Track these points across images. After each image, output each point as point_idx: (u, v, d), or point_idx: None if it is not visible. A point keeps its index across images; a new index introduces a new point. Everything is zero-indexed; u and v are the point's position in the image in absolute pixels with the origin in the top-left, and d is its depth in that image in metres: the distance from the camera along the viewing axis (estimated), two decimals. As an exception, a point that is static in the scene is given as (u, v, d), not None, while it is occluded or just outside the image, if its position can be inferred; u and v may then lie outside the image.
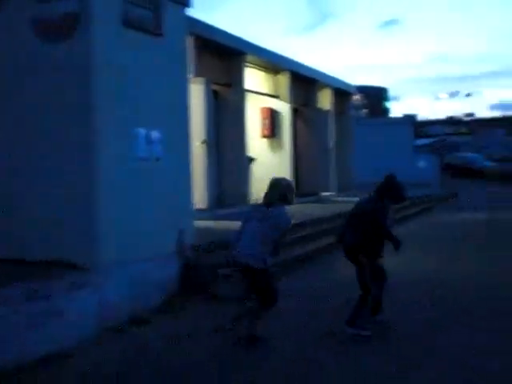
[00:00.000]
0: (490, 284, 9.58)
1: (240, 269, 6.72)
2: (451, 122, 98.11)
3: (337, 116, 23.23)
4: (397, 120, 40.37)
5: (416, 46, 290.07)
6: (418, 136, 57.24)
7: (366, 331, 6.80)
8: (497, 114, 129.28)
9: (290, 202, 6.71)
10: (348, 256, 7.13)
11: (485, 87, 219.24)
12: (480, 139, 65.56)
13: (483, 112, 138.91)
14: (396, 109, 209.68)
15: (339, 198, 20.54)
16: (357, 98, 54.35)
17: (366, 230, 6.89)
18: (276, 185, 6.72)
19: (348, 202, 18.76)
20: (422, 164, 33.71)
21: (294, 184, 6.73)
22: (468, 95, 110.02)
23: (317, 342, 6.77)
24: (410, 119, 39.82)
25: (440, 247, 13.62)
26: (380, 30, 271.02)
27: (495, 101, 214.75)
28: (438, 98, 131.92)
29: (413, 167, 32.47)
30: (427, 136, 66.73)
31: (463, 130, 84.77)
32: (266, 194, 6.67)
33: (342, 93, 24.00)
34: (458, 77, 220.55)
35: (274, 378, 5.78)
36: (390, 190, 7.11)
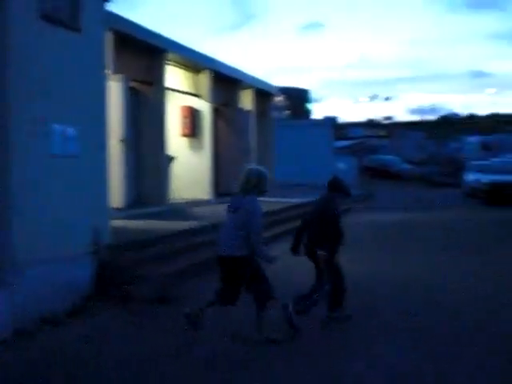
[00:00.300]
0: (391, 281, 9.80)
1: (220, 262, 6.76)
2: (371, 124, 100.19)
3: (258, 116, 23.32)
4: (318, 122, 40.78)
5: (337, 49, 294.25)
6: (339, 138, 58.17)
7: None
8: (415, 117, 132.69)
9: (262, 191, 6.80)
10: (308, 253, 7.50)
11: (404, 91, 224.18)
12: (398, 142, 67.15)
13: (402, 115, 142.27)
14: (318, 111, 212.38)
15: (260, 199, 20.59)
16: (279, 99, 54.76)
17: (325, 227, 7.34)
18: (248, 174, 6.80)
19: (269, 203, 18.96)
20: (341, 166, 34.23)
21: (267, 172, 6.93)
22: (387, 99, 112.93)
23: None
24: (330, 121, 40.31)
25: (352, 247, 13.85)
26: (302, 32, 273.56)
27: (414, 105, 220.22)
28: (358, 101, 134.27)
29: (333, 169, 32.95)
30: (347, 138, 67.89)
31: (382, 132, 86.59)
32: (240, 184, 6.77)
33: (263, 93, 24.11)
34: (378, 80, 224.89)
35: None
36: (339, 190, 7.65)
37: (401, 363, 6.05)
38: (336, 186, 7.65)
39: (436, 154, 56.64)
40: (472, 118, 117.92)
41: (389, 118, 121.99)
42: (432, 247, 13.71)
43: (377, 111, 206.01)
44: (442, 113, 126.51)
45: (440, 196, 31.72)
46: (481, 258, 12.15)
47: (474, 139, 58.43)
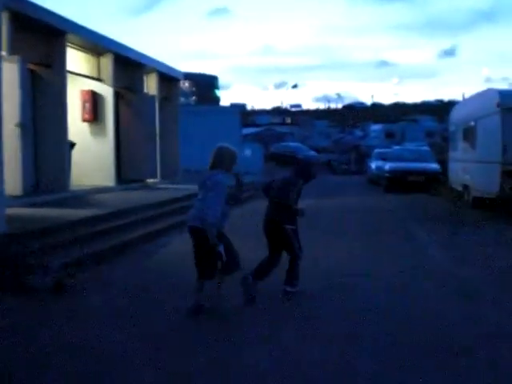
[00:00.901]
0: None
1: (191, 233, 7.09)
2: (278, 111, 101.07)
3: (163, 102, 22.98)
4: (225, 108, 40.78)
5: (245, 35, 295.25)
6: (246, 125, 58.38)
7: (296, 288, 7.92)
8: (321, 105, 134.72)
9: (227, 169, 7.18)
10: (274, 229, 7.92)
11: (311, 79, 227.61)
12: (305, 130, 68.10)
13: (308, 103, 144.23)
14: (225, 97, 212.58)
15: (164, 185, 20.39)
16: (185, 84, 54.27)
17: (290, 204, 7.87)
18: (216, 151, 7.23)
19: (173, 190, 18.75)
20: (247, 153, 34.30)
21: (234, 152, 7.40)
22: (294, 86, 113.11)
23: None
24: (237, 108, 40.38)
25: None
26: (209, 18, 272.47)
27: (320, 93, 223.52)
28: (266, 88, 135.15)
29: (239, 156, 32.94)
30: (255, 125, 68.21)
31: (289, 120, 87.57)
32: (210, 162, 7.18)
33: (168, 78, 23.74)
34: (285, 68, 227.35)
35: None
36: (304, 171, 8.30)
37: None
38: (302, 171, 8.29)
39: (341, 141, 57.69)
40: (376, 107, 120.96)
41: (296, 105, 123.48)
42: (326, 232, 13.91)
43: (284, 98, 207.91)
44: (348, 101, 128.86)
45: (345, 183, 32.31)
46: (360, 243, 12.37)
47: (377, 127, 59.87)
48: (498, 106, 15.02)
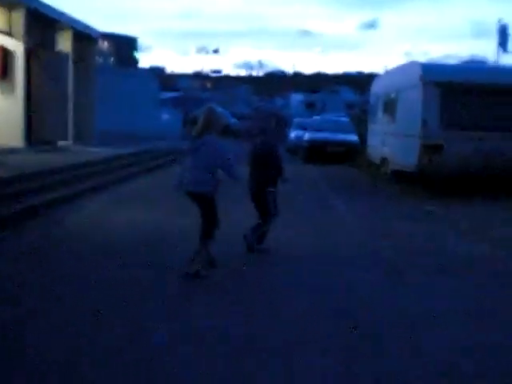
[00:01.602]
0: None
1: (190, 196, 7.29)
2: (198, 76, 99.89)
3: (78, 62, 21.98)
4: (143, 71, 39.71)
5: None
6: (166, 89, 57.24)
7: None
8: (242, 72, 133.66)
9: (215, 129, 7.25)
10: (257, 191, 8.55)
11: (232, 45, 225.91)
12: (226, 96, 67.44)
13: (230, 69, 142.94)
14: (146, 60, 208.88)
15: (77, 148, 19.53)
16: (104, 45, 52.70)
17: (272, 167, 8.53)
18: (207, 115, 7.23)
19: (86, 153, 17.97)
20: (166, 117, 33.54)
21: (219, 115, 7.41)
22: (216, 51, 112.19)
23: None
24: (156, 71, 39.37)
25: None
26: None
27: (241, 59, 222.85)
28: (187, 53, 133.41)
29: (157, 120, 32.18)
30: (175, 90, 67.08)
31: (210, 85, 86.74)
32: (198, 126, 7.22)
33: (85, 37, 22.68)
34: (207, 33, 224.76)
35: None
36: (279, 134, 9.14)
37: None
38: (276, 132, 8.95)
39: (261, 109, 57.31)
40: (297, 76, 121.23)
41: (217, 71, 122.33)
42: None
43: (205, 64, 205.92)
44: (269, 69, 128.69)
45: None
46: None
47: (298, 97, 59.95)
48: (420, 79, 14.86)
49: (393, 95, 17.78)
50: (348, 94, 69.35)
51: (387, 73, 21.41)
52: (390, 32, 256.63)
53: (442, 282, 7.53)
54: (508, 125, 14.54)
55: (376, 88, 21.15)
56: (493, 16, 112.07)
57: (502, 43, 31.63)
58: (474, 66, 16.62)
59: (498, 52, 32.34)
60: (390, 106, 18.08)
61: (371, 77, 35.72)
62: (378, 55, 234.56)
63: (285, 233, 9.62)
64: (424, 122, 14.63)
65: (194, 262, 7.10)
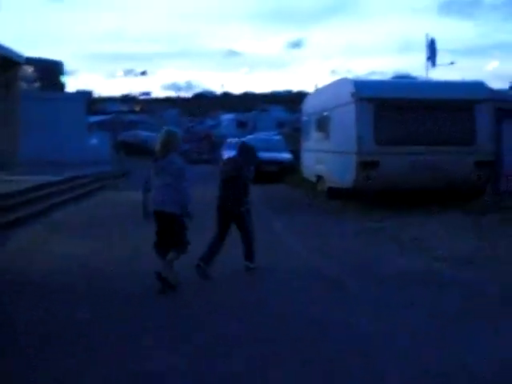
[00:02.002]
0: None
1: (159, 217, 7.69)
2: (127, 99, 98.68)
3: (1, 88, 21.13)
4: (70, 96, 38.76)
5: (91, 20, 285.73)
6: (94, 113, 56.13)
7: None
8: (171, 93, 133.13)
9: (175, 149, 7.78)
10: (228, 212, 8.84)
11: (160, 67, 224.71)
12: (155, 118, 66.60)
13: (158, 91, 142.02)
14: (72, 84, 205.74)
15: (5, 177, 18.64)
16: (29, 70, 51.44)
17: (243, 187, 8.83)
18: (167, 136, 7.75)
19: (11, 182, 17.13)
20: (94, 141, 32.71)
21: (177, 135, 8.01)
22: (143, 73, 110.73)
23: None
24: (83, 95, 38.50)
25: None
26: (53, 4, 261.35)
27: (169, 81, 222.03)
28: (114, 76, 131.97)
29: (85, 144, 31.36)
30: (103, 113, 65.92)
31: (138, 108, 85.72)
32: (161, 146, 7.70)
33: (8, 62, 21.82)
34: (133, 55, 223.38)
35: None
36: (248, 157, 9.05)
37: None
38: (246, 153, 9.06)
39: (192, 130, 56.96)
40: (226, 96, 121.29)
41: (145, 93, 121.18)
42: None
43: (133, 86, 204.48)
44: (197, 90, 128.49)
45: (199, 172, 31.60)
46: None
47: (229, 116, 59.69)
48: (353, 96, 14.79)
49: (326, 113, 17.66)
50: (279, 113, 69.43)
51: (319, 91, 21.35)
52: (315, 50, 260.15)
53: (381, 294, 7.71)
54: (441, 139, 14.59)
55: (308, 106, 21.06)
56: (418, 32, 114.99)
57: (431, 57, 32.05)
58: (406, 82, 16.70)
59: (426, 67, 32.80)
60: (323, 124, 17.95)
61: (300, 95, 35.85)
62: (304, 73, 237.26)
63: (233, 252, 9.28)
64: (359, 139, 14.53)
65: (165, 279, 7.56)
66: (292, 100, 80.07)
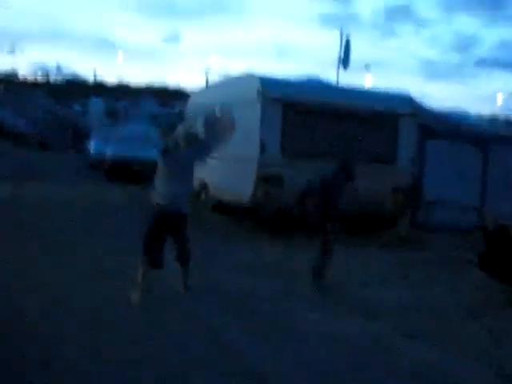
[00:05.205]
0: None
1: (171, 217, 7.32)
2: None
3: None
4: None
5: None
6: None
7: None
8: (38, 75, 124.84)
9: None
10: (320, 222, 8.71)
11: (28, 47, 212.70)
12: (16, 98, 61.53)
13: (24, 72, 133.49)
14: None
15: None
16: None
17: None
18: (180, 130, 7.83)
19: None
20: None
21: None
22: (11, 52, 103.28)
23: None
24: None
25: None
26: None
27: (37, 62, 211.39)
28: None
29: None
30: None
31: (2, 87, 79.94)
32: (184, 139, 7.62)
33: None
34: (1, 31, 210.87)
35: None
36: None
37: None
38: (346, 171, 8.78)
39: (58, 115, 52.80)
40: (99, 85, 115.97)
41: (11, 73, 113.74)
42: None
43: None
44: (68, 74, 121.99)
45: (60, 163, 28.13)
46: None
47: (98, 105, 55.68)
48: (258, 94, 12.25)
49: (219, 111, 14.97)
50: (151, 106, 66.23)
51: (212, 86, 18.65)
52: (192, 46, 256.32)
53: None
54: (359, 154, 12.32)
55: (196, 102, 18.18)
56: (296, 39, 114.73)
57: (344, 60, 29.84)
58: (323, 84, 14.31)
59: (338, 69, 30.55)
60: (214, 123, 15.26)
61: (176, 90, 33.18)
62: (180, 68, 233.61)
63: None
64: (262, 147, 12.05)
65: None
66: (166, 94, 77.38)
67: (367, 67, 38.61)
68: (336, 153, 12.22)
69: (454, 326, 7.41)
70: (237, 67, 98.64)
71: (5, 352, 5.48)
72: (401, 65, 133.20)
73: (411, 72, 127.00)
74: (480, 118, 24.05)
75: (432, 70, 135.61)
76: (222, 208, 14.16)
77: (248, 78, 13.55)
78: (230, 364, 5.63)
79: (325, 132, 12.42)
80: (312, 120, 12.38)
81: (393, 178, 12.78)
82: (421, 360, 6.17)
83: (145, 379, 5.17)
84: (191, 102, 19.04)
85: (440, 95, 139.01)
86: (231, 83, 15.06)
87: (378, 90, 14.54)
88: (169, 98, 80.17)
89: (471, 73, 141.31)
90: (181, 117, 21.52)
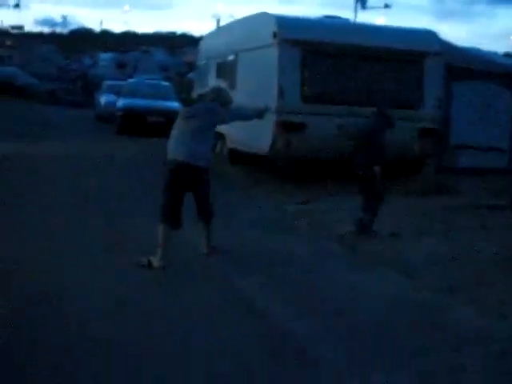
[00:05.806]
0: None
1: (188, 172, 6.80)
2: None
3: None
4: None
5: None
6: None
7: None
8: (45, 29, 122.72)
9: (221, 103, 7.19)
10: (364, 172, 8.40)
11: (33, 1, 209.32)
12: (25, 54, 60.59)
13: (31, 26, 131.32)
14: None
15: None
16: None
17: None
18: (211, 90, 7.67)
19: None
20: None
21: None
22: (17, 6, 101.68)
23: None
24: None
25: None
26: None
27: (43, 15, 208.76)
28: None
29: None
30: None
31: (9, 42, 78.87)
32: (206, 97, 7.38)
33: None
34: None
35: None
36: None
37: None
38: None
39: (67, 69, 52.02)
40: (106, 35, 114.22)
41: (17, 27, 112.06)
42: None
43: (5, 19, 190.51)
44: (74, 26, 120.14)
45: (70, 118, 27.52)
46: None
47: (107, 56, 54.69)
48: (275, 36, 11.43)
49: (231, 56, 14.18)
50: (161, 56, 65.07)
51: (223, 28, 17.76)
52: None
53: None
54: (384, 98, 11.53)
55: (208, 47, 17.29)
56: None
57: None
58: (343, 23, 13.43)
59: (356, 8, 29.38)
60: (226, 70, 14.47)
61: (184, 37, 32.14)
62: (188, 16, 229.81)
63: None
64: (280, 92, 11.30)
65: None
66: (175, 42, 75.90)
67: (387, 6, 37.11)
68: (361, 97, 11.54)
69: (493, 278, 6.81)
70: (245, 13, 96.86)
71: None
72: (412, 4, 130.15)
73: (422, 12, 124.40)
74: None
75: (444, 9, 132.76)
76: (241, 159, 13.53)
77: (262, 18, 12.64)
78: (271, 341, 5.02)
79: (347, 75, 11.61)
80: (334, 62, 11.57)
81: (418, 122, 12.02)
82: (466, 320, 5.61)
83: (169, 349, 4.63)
84: (202, 47, 18.23)
85: (452, 34, 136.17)
86: (244, 24, 14.17)
87: (402, 27, 13.57)
88: (178, 45, 78.98)
89: (483, 11, 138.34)
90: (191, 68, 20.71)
